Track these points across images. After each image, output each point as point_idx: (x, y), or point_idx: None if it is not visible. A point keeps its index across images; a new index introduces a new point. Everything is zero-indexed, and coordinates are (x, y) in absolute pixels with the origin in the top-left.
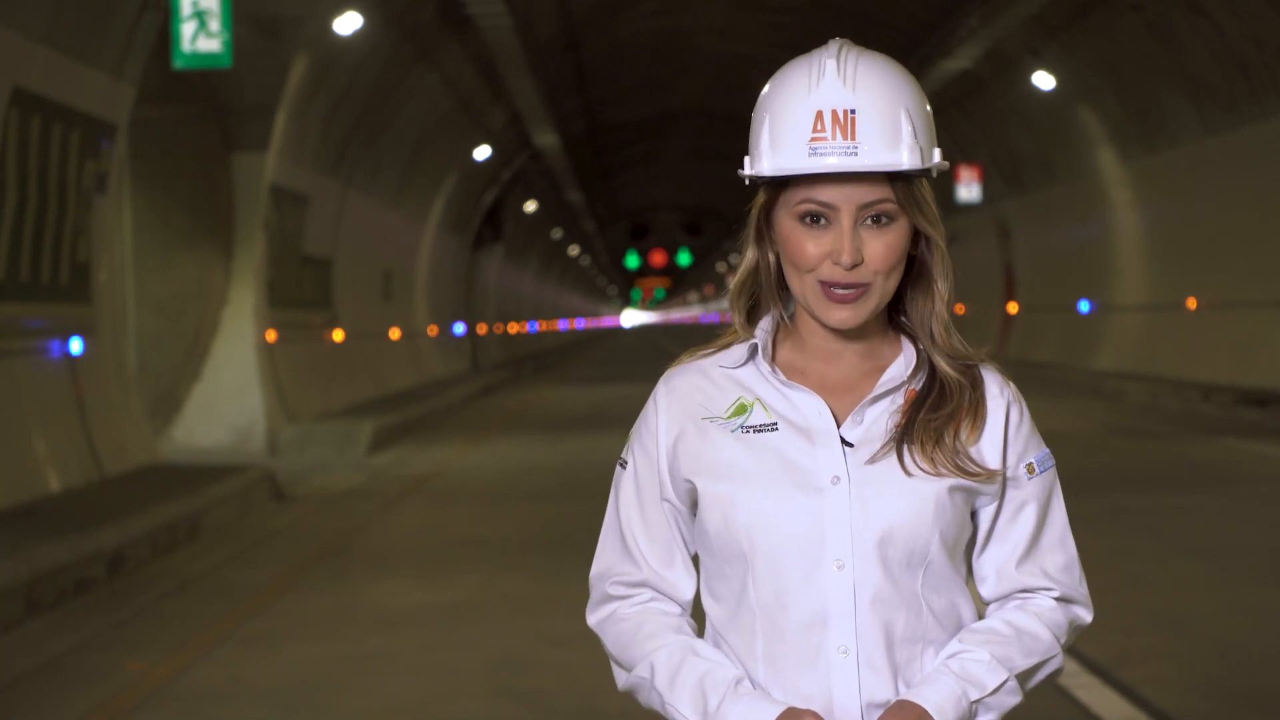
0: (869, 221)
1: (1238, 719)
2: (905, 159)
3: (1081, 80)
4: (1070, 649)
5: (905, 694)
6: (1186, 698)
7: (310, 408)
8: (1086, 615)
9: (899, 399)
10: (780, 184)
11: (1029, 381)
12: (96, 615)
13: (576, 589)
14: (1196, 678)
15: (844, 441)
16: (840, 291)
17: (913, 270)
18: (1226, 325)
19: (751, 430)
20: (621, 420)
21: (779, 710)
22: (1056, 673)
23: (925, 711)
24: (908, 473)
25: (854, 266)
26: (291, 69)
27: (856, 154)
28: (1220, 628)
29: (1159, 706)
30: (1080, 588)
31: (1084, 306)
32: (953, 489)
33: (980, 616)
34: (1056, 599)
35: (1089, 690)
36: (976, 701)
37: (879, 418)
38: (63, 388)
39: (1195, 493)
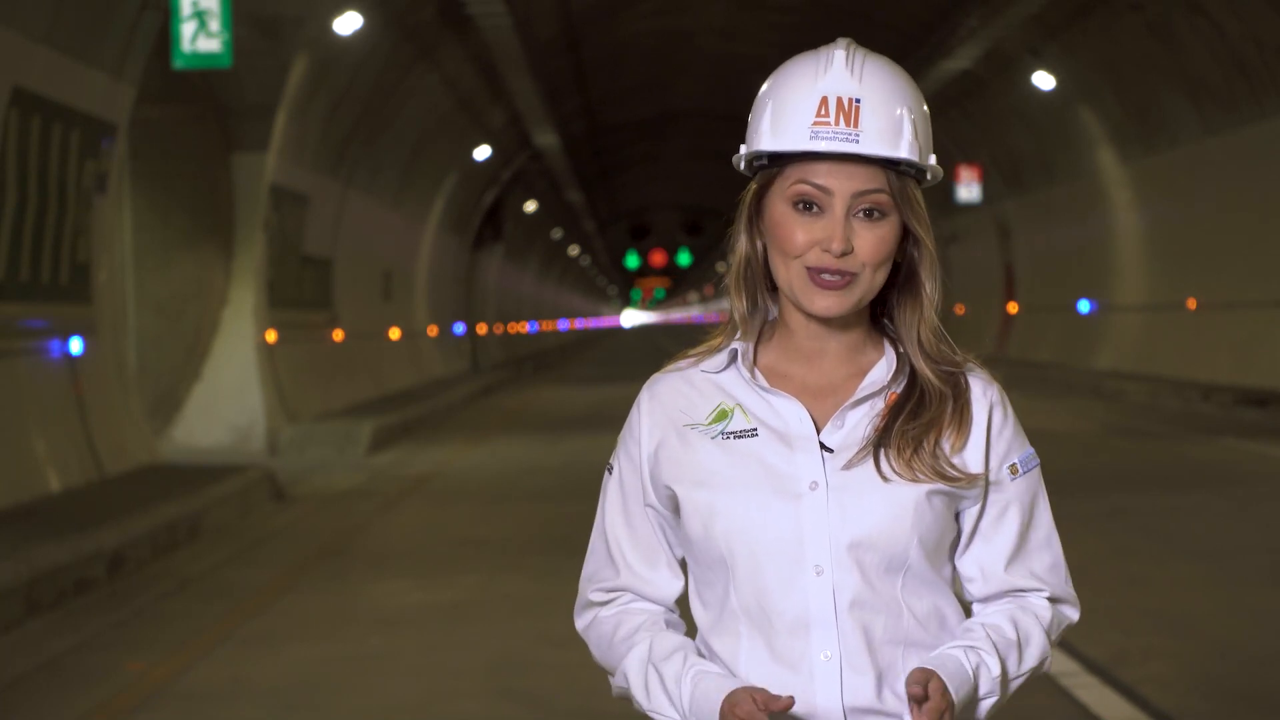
0: (861, 214)
1: (1237, 719)
2: (904, 151)
3: (1081, 80)
4: (1062, 645)
5: (921, 663)
6: (1186, 698)
7: (310, 408)
8: (1074, 614)
9: (879, 403)
10: (775, 169)
11: (1029, 381)
12: (96, 615)
13: (576, 589)
14: (1196, 678)
15: (824, 447)
16: (827, 278)
17: (900, 274)
18: (1226, 325)
19: (732, 436)
20: (621, 420)
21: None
22: (1040, 666)
23: (936, 674)
24: (884, 478)
25: (844, 254)
26: (291, 69)
27: (858, 141)
28: (1220, 628)
29: (1159, 706)
30: (1068, 587)
31: (1084, 306)
32: (932, 493)
33: (966, 615)
34: (1048, 599)
35: (1089, 690)
36: (971, 696)
37: (859, 423)
38: (63, 388)
39: (1195, 493)
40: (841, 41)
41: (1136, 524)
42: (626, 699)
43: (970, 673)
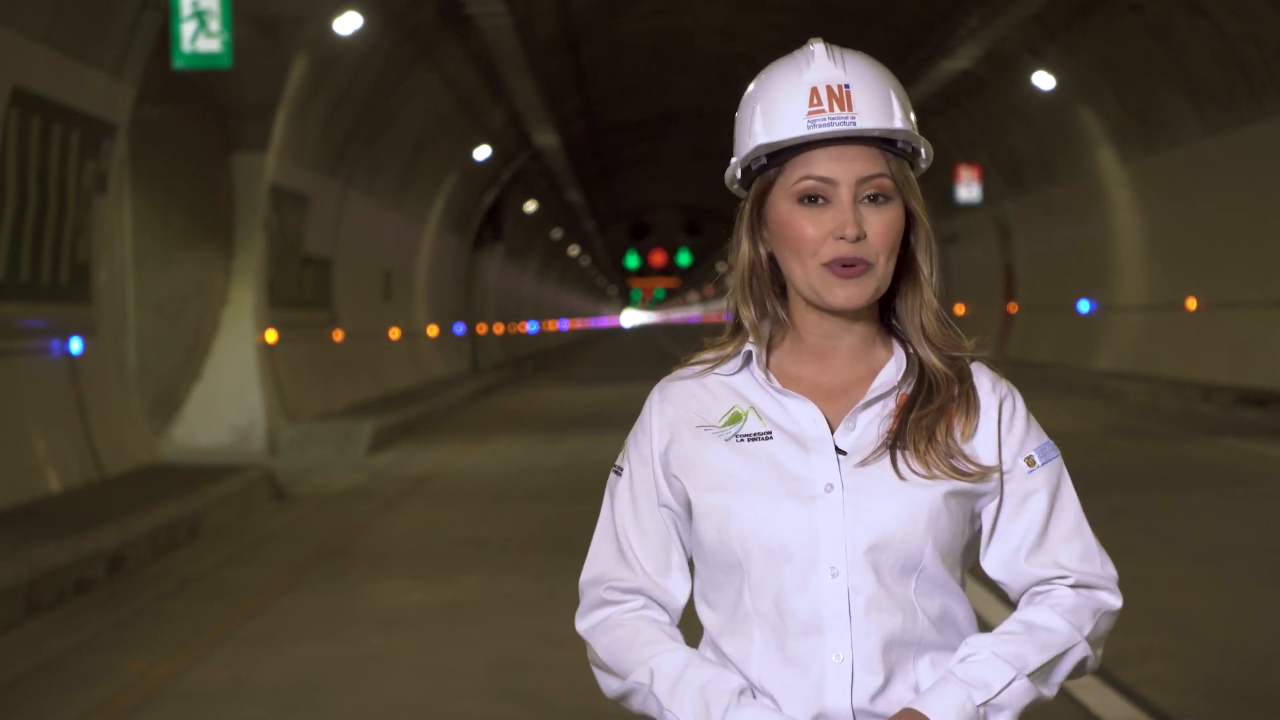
0: (866, 201)
1: (1237, 719)
2: (899, 123)
3: (1081, 80)
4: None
5: (911, 703)
6: (1186, 698)
7: (310, 408)
8: (1113, 600)
9: (890, 404)
10: (774, 171)
11: (1029, 381)
12: (96, 615)
13: (576, 589)
14: (1196, 678)
15: (837, 449)
16: (847, 268)
17: (901, 261)
18: (1226, 325)
19: (746, 439)
20: (622, 420)
21: None
22: (1085, 661)
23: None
24: (901, 477)
25: (858, 240)
26: (291, 69)
27: (855, 123)
28: (1220, 628)
29: (1159, 706)
30: (1103, 572)
31: (1084, 306)
32: (948, 494)
33: (978, 619)
34: (1072, 586)
35: (1089, 690)
36: (984, 704)
37: (871, 423)
38: (63, 388)
39: (1195, 493)
40: (814, 41)
41: (1136, 524)
42: (622, 698)
43: (963, 703)
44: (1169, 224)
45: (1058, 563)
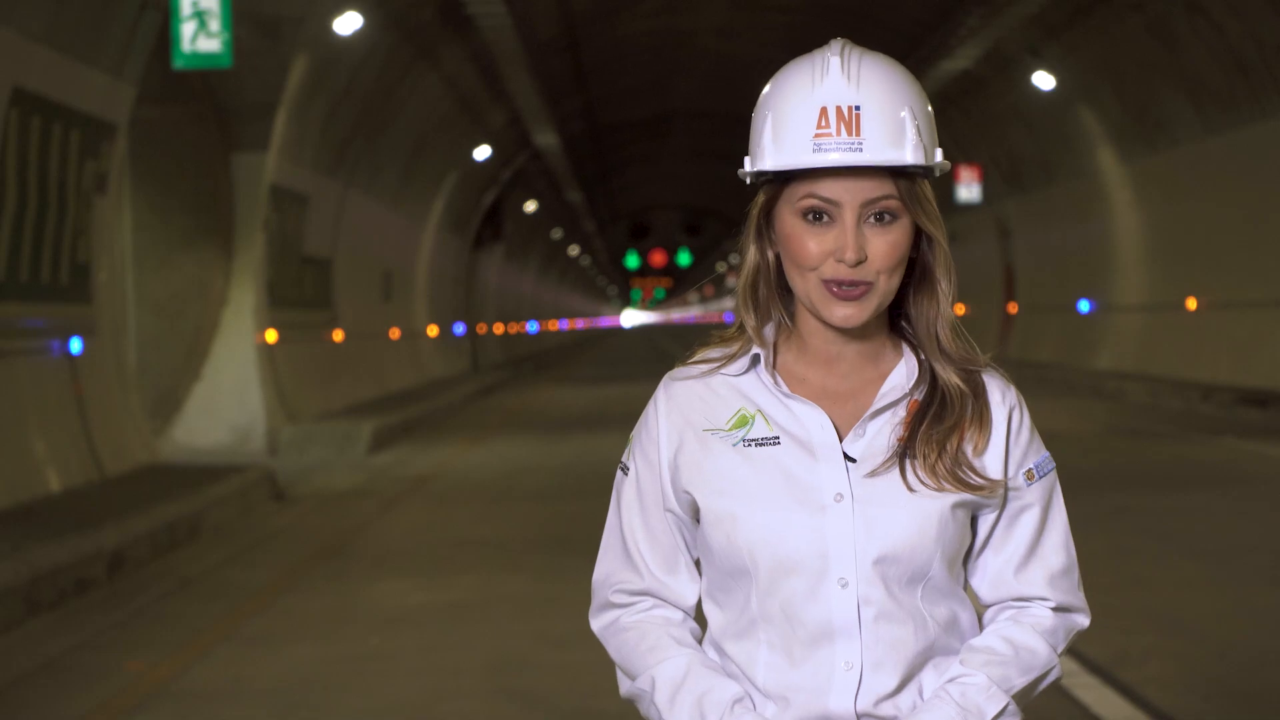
0: (872, 219)
1: (1237, 719)
2: (909, 155)
3: (1081, 80)
4: (1069, 650)
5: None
6: (1186, 698)
7: (310, 408)
8: (1084, 620)
9: (901, 411)
10: (782, 181)
11: (1029, 382)
12: (96, 615)
13: (576, 589)
14: (1196, 678)
15: (846, 456)
16: (843, 289)
17: (915, 272)
18: (1226, 325)
19: (753, 444)
20: (622, 420)
21: None
22: (1055, 680)
23: None
24: (910, 488)
25: (858, 264)
26: (291, 69)
27: (861, 150)
28: (1220, 628)
29: (1159, 706)
30: (1078, 593)
31: (1084, 306)
32: (955, 505)
33: (979, 618)
34: (1054, 609)
35: (1089, 690)
36: None
37: (881, 431)
38: (63, 388)
39: (1195, 493)
40: (835, 44)
41: (1137, 524)
42: (632, 700)
43: None
44: (1169, 224)
45: (1042, 580)
